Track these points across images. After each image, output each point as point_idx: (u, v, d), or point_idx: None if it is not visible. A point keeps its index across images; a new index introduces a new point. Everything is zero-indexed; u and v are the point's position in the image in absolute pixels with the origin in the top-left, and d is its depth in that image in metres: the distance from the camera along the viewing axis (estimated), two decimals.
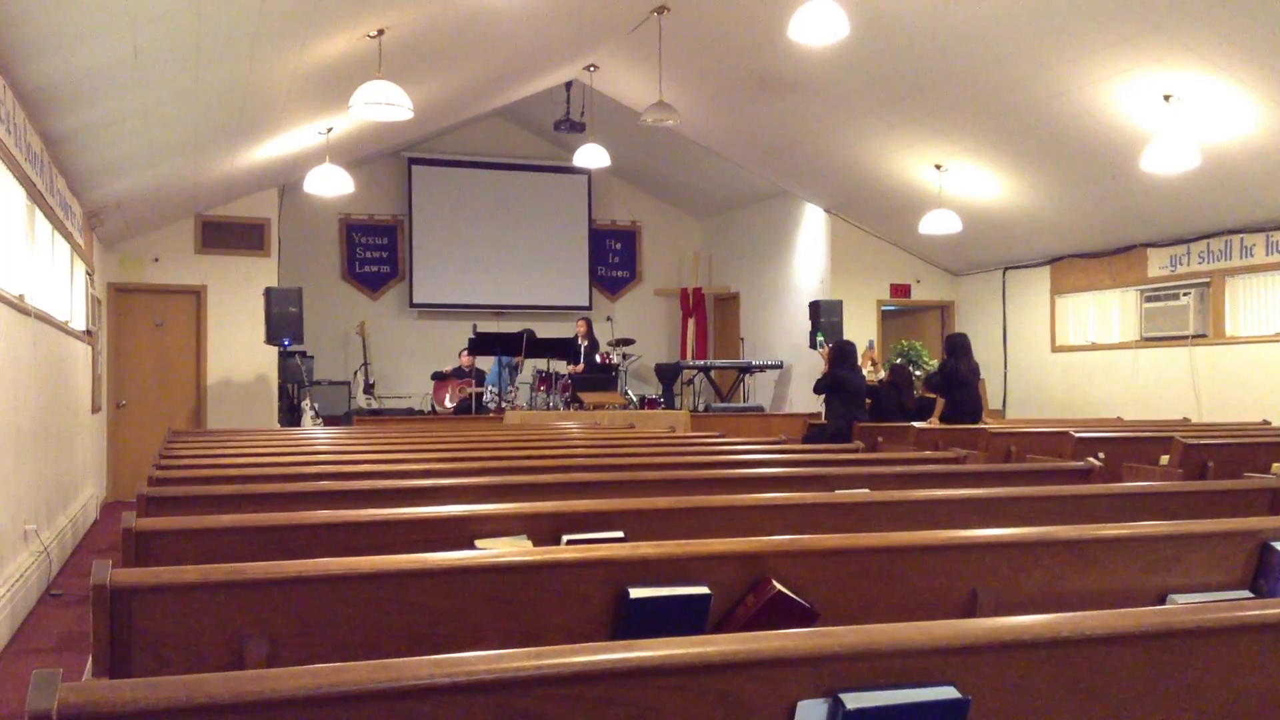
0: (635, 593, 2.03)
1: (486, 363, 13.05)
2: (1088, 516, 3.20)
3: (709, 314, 15.89)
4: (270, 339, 11.00)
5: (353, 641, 1.92)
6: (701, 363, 14.36)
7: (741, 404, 13.71)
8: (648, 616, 2.05)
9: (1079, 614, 1.47)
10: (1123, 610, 1.50)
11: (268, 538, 2.62)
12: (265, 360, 11.74)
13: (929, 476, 3.82)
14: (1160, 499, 3.37)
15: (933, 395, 9.58)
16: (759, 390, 14.38)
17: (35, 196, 6.14)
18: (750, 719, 1.30)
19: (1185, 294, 10.57)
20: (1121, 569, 2.41)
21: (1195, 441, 5.95)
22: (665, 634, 2.08)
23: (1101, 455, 6.19)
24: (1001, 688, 1.40)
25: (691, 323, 15.65)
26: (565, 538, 2.83)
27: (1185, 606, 1.58)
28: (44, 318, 6.49)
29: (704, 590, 2.08)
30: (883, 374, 11.23)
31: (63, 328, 7.41)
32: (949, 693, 1.34)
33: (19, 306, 5.70)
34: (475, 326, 13.36)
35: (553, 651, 1.22)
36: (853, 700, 1.29)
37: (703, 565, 2.13)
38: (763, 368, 13.85)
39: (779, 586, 2.09)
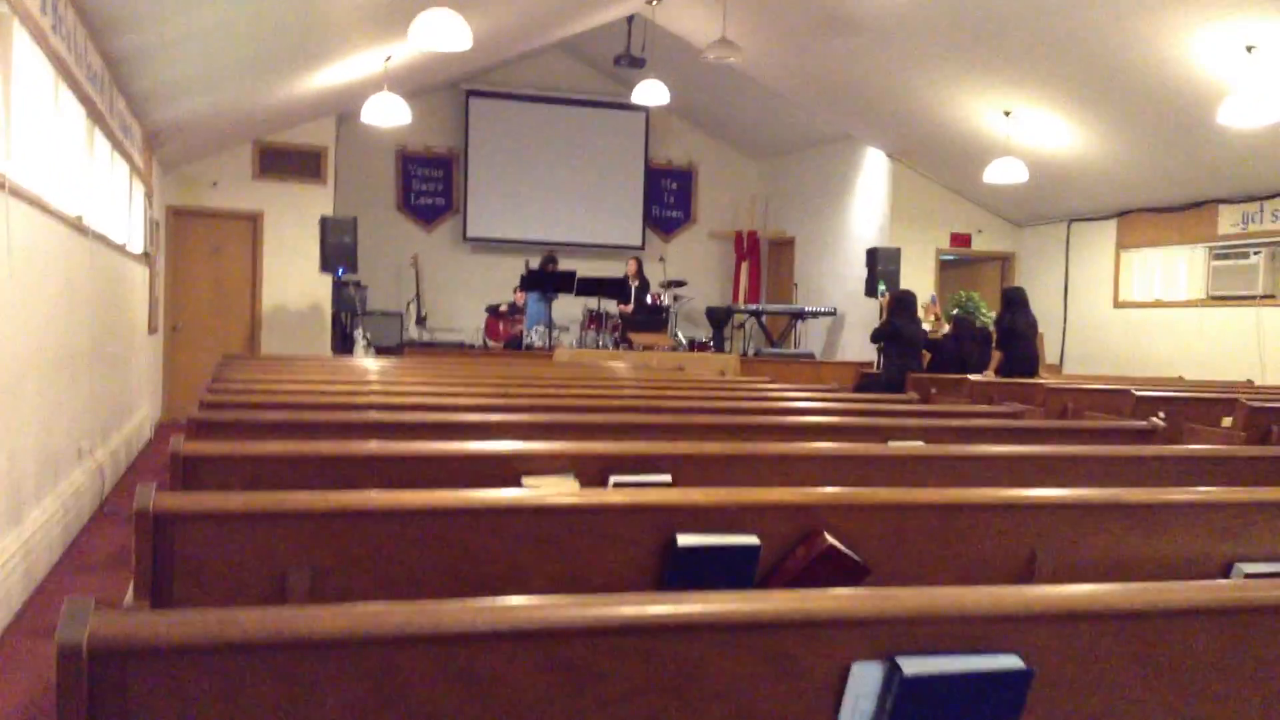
0: (683, 540, 1.98)
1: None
2: (1150, 478, 3.10)
3: (763, 258, 15.71)
4: (325, 267, 11.05)
5: (395, 577, 1.90)
6: (754, 307, 14.23)
7: (793, 350, 13.59)
8: (696, 565, 2.00)
9: (1153, 585, 1.40)
10: (1200, 583, 1.42)
11: (315, 467, 2.60)
12: (320, 289, 11.81)
13: (985, 431, 3.73)
14: (1226, 464, 3.26)
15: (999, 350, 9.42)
16: (810, 337, 14.24)
17: (96, 116, 6.15)
18: (801, 680, 1.25)
19: (1255, 253, 10.26)
20: (1187, 535, 2.32)
21: (1260, 404, 5.78)
22: (713, 583, 2.03)
23: (1162, 415, 6.04)
24: (1066, 659, 1.34)
25: (745, 266, 15.49)
26: (613, 479, 2.79)
27: (1264, 582, 1.49)
28: (101, 239, 6.54)
29: (754, 540, 2.03)
30: (946, 328, 11.01)
31: (120, 249, 7.46)
32: (1012, 662, 1.27)
33: (77, 227, 5.73)
34: (527, 263, 13.32)
35: (599, 601, 1.17)
36: (910, 665, 1.23)
37: (753, 514, 2.07)
38: (816, 314, 13.69)
39: (831, 540, 2.03)
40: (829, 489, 2.19)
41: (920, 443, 3.57)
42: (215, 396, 4.10)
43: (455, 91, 14.34)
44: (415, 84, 11.83)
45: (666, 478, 2.80)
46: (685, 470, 2.75)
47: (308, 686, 1.09)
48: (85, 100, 5.75)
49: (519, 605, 1.14)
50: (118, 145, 7.10)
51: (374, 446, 2.70)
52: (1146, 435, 3.94)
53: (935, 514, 2.17)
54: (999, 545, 2.19)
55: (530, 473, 2.72)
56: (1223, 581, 1.47)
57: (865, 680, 1.24)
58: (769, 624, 1.22)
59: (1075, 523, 2.22)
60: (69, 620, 1.02)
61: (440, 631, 1.10)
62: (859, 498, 2.13)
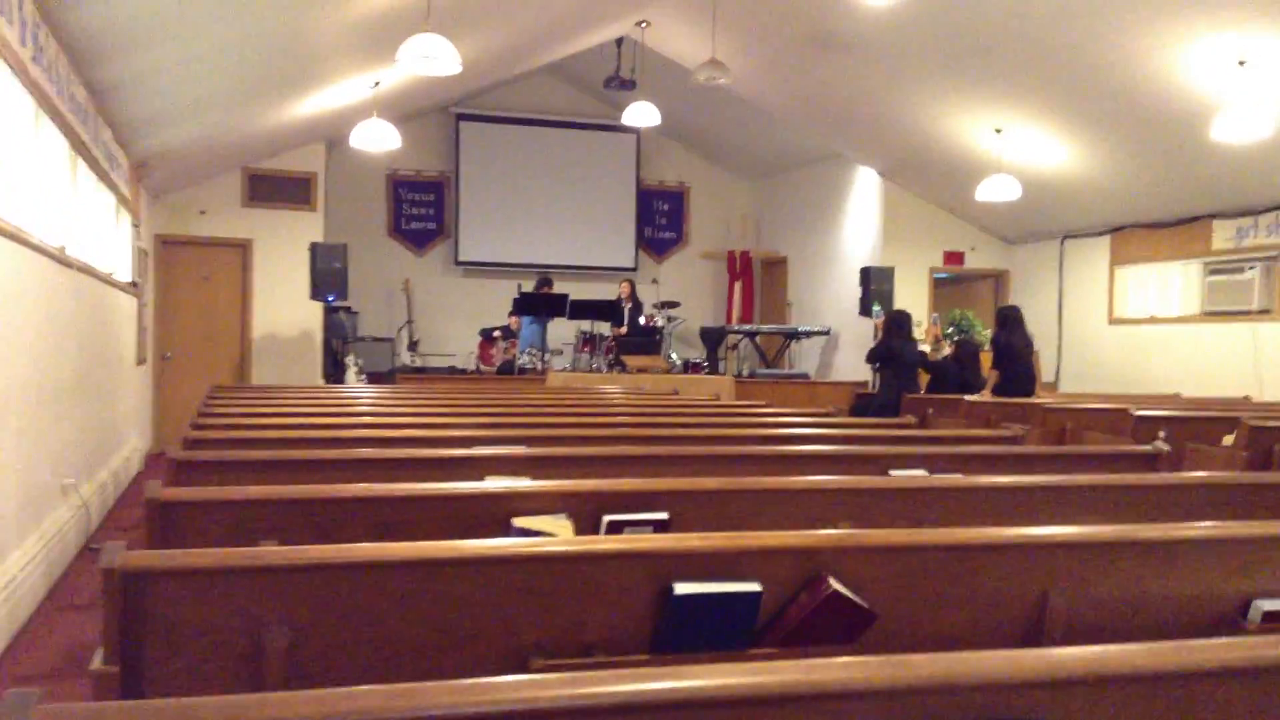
0: (680, 589, 1.90)
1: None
2: (1158, 508, 3.02)
3: (756, 278, 15.66)
4: (315, 294, 10.96)
5: (380, 633, 1.81)
6: (747, 327, 14.16)
7: (787, 370, 13.51)
8: (694, 614, 1.91)
9: (1184, 644, 1.31)
10: (1233, 641, 1.34)
11: (298, 510, 2.51)
12: (310, 316, 11.71)
13: (987, 459, 3.65)
14: (1237, 491, 3.18)
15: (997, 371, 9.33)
16: (805, 357, 14.17)
17: (79, 147, 6.07)
18: None
19: (1250, 267, 10.21)
20: (1202, 571, 2.24)
21: (1262, 423, 5.71)
22: (712, 633, 1.94)
23: (1163, 434, 5.96)
24: None
25: (738, 286, 15.43)
26: (606, 518, 2.70)
27: None
28: (86, 270, 6.44)
29: (754, 587, 1.94)
30: (947, 350, 10.87)
31: (106, 280, 7.37)
32: None
33: (60, 259, 5.64)
34: (520, 286, 13.25)
35: (590, 680, 1.08)
36: None
37: (753, 559, 1.99)
38: (809, 334, 13.62)
39: (836, 586, 1.94)
40: (833, 531, 2.11)
41: (922, 471, 3.49)
42: (200, 433, 4.01)
43: (445, 115, 14.30)
44: (405, 108, 11.78)
45: (663, 515, 2.72)
46: (682, 507, 2.67)
47: None
48: (67, 131, 5.68)
49: (505, 684, 1.05)
50: (102, 175, 7.02)
51: (360, 489, 2.61)
52: (1151, 460, 3.86)
53: (943, 555, 2.08)
54: (1010, 586, 2.10)
55: (522, 512, 2.63)
56: (1257, 639, 1.38)
57: None
58: (775, 698, 1.13)
59: (1087, 561, 2.14)
60: (9, 716, 0.93)
61: (418, 716, 1.02)
62: (863, 539, 2.04)
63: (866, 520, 2.69)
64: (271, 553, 1.79)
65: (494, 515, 2.59)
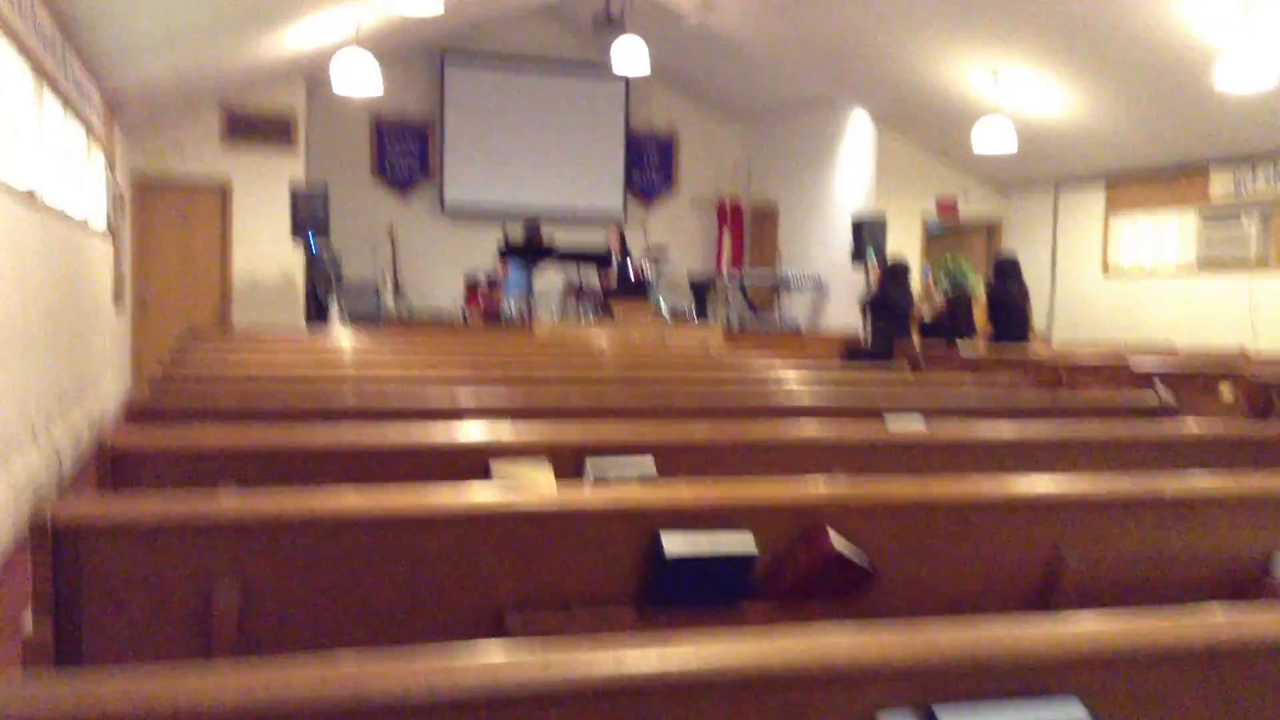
0: (670, 546, 1.75)
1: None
2: (1165, 462, 2.89)
3: (746, 225, 15.44)
4: (296, 232, 10.70)
5: (340, 592, 1.66)
6: (737, 276, 13.97)
7: (777, 319, 13.35)
8: (684, 573, 1.77)
9: (1235, 618, 1.17)
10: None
11: (264, 461, 2.34)
12: (292, 259, 11.48)
13: (984, 410, 3.50)
14: (1247, 445, 3.06)
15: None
16: (795, 305, 14.01)
17: (44, 76, 5.82)
18: None
19: (1247, 217, 10.06)
20: (1222, 527, 2.11)
21: (1259, 376, 5.60)
22: (703, 594, 1.80)
23: (1160, 387, 5.84)
24: (1131, 703, 1.11)
25: (727, 234, 15.21)
26: (590, 461, 2.55)
27: None
28: (54, 211, 6.22)
29: (749, 542, 1.80)
30: (939, 299, 10.62)
31: (78, 221, 7.15)
32: (1072, 710, 1.05)
33: (25, 197, 5.42)
34: (506, 230, 13.02)
35: (565, 662, 0.93)
36: (950, 716, 1.01)
37: (747, 514, 1.84)
38: (800, 283, 13.45)
39: (836, 545, 1.80)
40: (832, 487, 1.96)
41: (919, 419, 3.34)
42: (169, 382, 3.84)
43: (431, 56, 13.96)
44: (388, 47, 11.46)
45: (648, 459, 2.57)
46: (670, 460, 2.52)
47: None
48: (31, 57, 5.42)
49: (461, 666, 0.90)
50: (73, 108, 6.77)
51: (332, 438, 2.45)
52: (1155, 413, 3.73)
53: (948, 511, 1.94)
54: (1021, 543, 1.97)
55: (502, 459, 2.48)
56: None
57: None
58: (780, 676, 0.99)
59: (1103, 518, 2.00)
60: None
61: (359, 703, 0.87)
62: (865, 496, 1.90)
63: (864, 475, 2.55)
64: (221, 506, 1.63)
65: (472, 465, 2.43)
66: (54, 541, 1.51)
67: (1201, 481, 2.13)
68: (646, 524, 1.78)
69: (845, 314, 12.53)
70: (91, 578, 1.57)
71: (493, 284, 12.58)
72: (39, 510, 1.50)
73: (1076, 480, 2.06)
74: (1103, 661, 1.09)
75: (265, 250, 11.33)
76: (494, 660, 0.91)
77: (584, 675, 0.91)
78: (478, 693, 0.88)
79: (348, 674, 0.88)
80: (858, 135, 12.99)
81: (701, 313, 13.01)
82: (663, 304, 12.67)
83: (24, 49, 5.22)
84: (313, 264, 11.73)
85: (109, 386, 9.12)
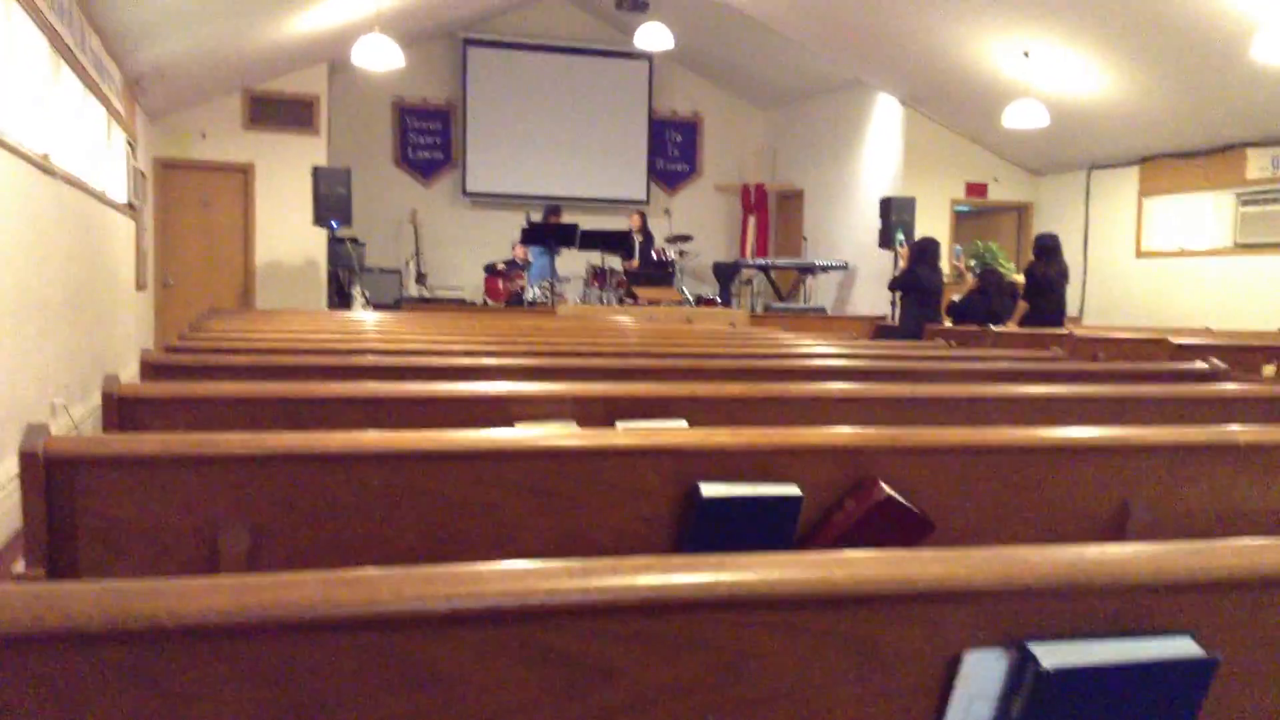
0: (708, 490, 1.63)
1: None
2: (1231, 418, 2.73)
3: (771, 211, 15.27)
4: (318, 220, 10.64)
5: (353, 537, 1.54)
6: (762, 261, 13.81)
7: (802, 304, 13.19)
8: (723, 521, 1.65)
9: None
10: None
11: (276, 410, 2.23)
12: (315, 244, 11.42)
13: (1034, 373, 3.36)
14: None
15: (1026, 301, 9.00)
16: (821, 292, 13.83)
17: (61, 48, 5.74)
18: (892, 676, 0.89)
19: None
20: None
21: None
22: (744, 543, 1.67)
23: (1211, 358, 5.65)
24: (1250, 642, 0.98)
25: (752, 220, 15.06)
26: (620, 425, 2.43)
27: None
28: (72, 180, 6.14)
29: (794, 490, 1.67)
30: (970, 281, 10.44)
31: (98, 196, 7.07)
32: (1185, 647, 0.91)
33: (42, 166, 5.34)
34: (528, 216, 12.91)
35: (605, 567, 0.80)
36: (1049, 654, 0.87)
37: (789, 459, 1.71)
38: (826, 268, 13.27)
39: (888, 490, 1.67)
40: (882, 430, 1.82)
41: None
42: (187, 341, 3.74)
43: (453, 41, 13.86)
44: (410, 31, 11.36)
45: (682, 423, 2.44)
46: (703, 415, 2.39)
47: (177, 697, 0.73)
48: (46, 28, 5.34)
49: (489, 573, 0.78)
50: (91, 85, 6.69)
51: (345, 388, 2.34)
52: (1207, 378, 3.58)
53: (1008, 458, 1.80)
54: (1084, 493, 1.83)
55: (524, 418, 2.36)
56: None
57: (983, 675, 0.88)
58: (847, 598, 0.86)
59: (1173, 467, 1.86)
60: None
61: (374, 612, 0.75)
62: (920, 440, 1.76)
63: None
64: (228, 440, 1.51)
65: (493, 420, 2.31)
66: (47, 474, 1.40)
67: (1277, 431, 1.98)
68: (682, 469, 1.66)
69: (873, 299, 12.36)
70: (88, 519, 1.45)
71: (514, 267, 12.48)
72: (29, 435, 1.39)
73: (1143, 429, 1.92)
74: (1222, 594, 0.95)
75: (288, 234, 11.26)
76: (521, 568, 0.79)
77: (626, 585, 0.79)
78: (505, 602, 0.75)
79: (358, 579, 0.76)
80: (885, 118, 12.80)
81: (726, 299, 12.86)
82: (686, 290, 12.55)
83: (37, 16, 5.14)
84: (336, 250, 11.66)
85: (133, 368, 9.07)
